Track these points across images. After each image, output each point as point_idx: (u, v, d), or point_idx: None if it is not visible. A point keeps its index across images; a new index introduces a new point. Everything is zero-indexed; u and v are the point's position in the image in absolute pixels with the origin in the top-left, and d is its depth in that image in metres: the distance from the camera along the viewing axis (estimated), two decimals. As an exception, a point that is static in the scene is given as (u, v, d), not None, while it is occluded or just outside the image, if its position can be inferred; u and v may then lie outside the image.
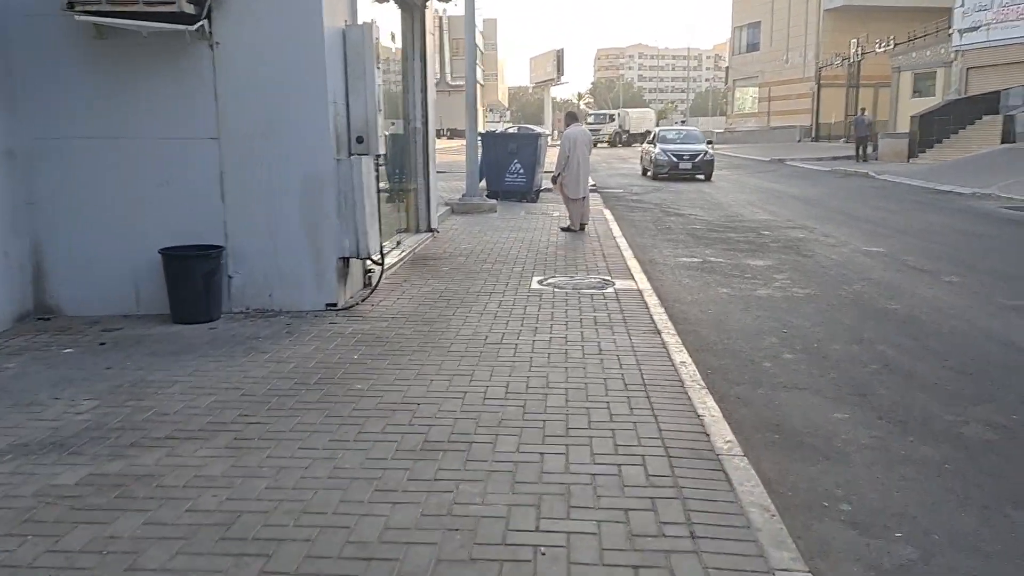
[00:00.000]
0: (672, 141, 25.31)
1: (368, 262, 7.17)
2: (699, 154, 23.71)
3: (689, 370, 5.05)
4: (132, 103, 6.25)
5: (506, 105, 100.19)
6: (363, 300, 6.89)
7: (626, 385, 4.71)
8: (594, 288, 7.60)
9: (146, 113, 6.27)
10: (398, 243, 9.63)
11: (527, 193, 16.01)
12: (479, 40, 69.01)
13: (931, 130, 28.55)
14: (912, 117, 28.95)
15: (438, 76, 58.52)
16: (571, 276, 8.21)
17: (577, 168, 11.62)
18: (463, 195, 14.66)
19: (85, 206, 6.31)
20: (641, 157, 27.13)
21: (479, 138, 16.43)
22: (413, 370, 5.00)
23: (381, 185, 9.76)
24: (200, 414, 4.24)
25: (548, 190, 16.47)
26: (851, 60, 44.33)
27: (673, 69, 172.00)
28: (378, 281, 7.24)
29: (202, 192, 6.38)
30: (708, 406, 4.40)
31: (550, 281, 7.93)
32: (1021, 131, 24.08)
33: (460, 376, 4.87)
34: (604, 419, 4.17)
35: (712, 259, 10.07)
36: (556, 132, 42.86)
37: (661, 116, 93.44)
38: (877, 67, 43.09)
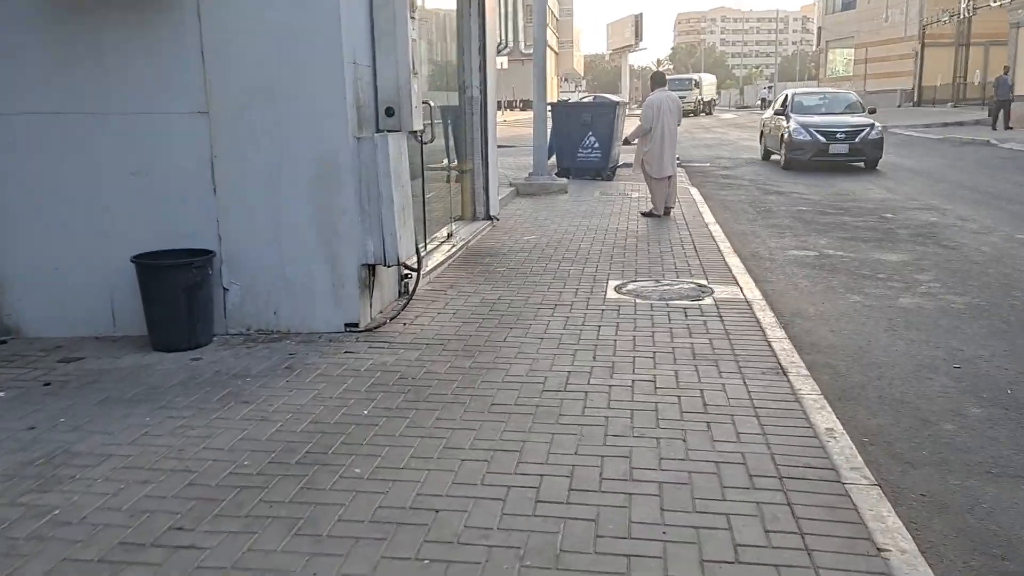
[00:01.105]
0: (814, 111, 17.48)
1: (402, 268, 5.74)
2: (861, 130, 15.97)
3: (841, 446, 3.42)
4: (97, 69, 4.91)
5: (581, 74, 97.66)
6: (393, 317, 5.45)
7: (751, 478, 3.12)
8: (688, 298, 5.97)
9: (116, 81, 4.93)
10: (448, 235, 8.17)
11: (602, 170, 14.31)
12: (553, 5, 66.77)
13: (1060, 91, 25.33)
14: (998, 79, 25.77)
15: (510, 45, 56.83)
16: (657, 280, 6.58)
17: (661, 141, 9.91)
18: (530, 173, 13.09)
19: (44, 201, 5.04)
20: (761, 134, 19.49)
21: (549, 109, 14.80)
22: (438, 439, 3.52)
23: (435, 165, 8.34)
24: (115, 524, 2.86)
25: (627, 165, 14.75)
26: (961, 16, 40.43)
27: (757, 32, 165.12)
28: (414, 290, 5.79)
29: (189, 182, 5.03)
30: (888, 525, 2.78)
31: (631, 287, 6.33)
32: None
33: (503, 453, 3.38)
34: (726, 555, 2.60)
35: (830, 252, 8.25)
36: (635, 102, 40.52)
37: (746, 82, 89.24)
38: (989, 24, 39.16)
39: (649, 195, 10.35)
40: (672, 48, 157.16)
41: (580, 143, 14.37)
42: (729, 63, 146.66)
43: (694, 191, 12.71)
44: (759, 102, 61.00)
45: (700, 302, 5.85)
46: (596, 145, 14.31)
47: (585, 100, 20.14)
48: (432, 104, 6.83)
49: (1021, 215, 10.32)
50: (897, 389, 4.43)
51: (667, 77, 10.45)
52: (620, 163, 15.36)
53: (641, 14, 47.32)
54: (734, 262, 7.32)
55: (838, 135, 15.98)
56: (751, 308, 5.69)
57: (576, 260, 7.41)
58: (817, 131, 16.06)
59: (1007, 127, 24.87)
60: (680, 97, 11.60)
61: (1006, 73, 26.46)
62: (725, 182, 14.89)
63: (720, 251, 7.86)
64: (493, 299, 6.01)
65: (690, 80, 51.81)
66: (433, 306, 5.82)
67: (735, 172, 16.63)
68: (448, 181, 8.83)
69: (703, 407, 3.84)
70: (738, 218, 10.60)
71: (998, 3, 35.31)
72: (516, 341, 4.96)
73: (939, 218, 10.19)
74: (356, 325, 5.17)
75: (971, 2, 38.79)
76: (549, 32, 58.38)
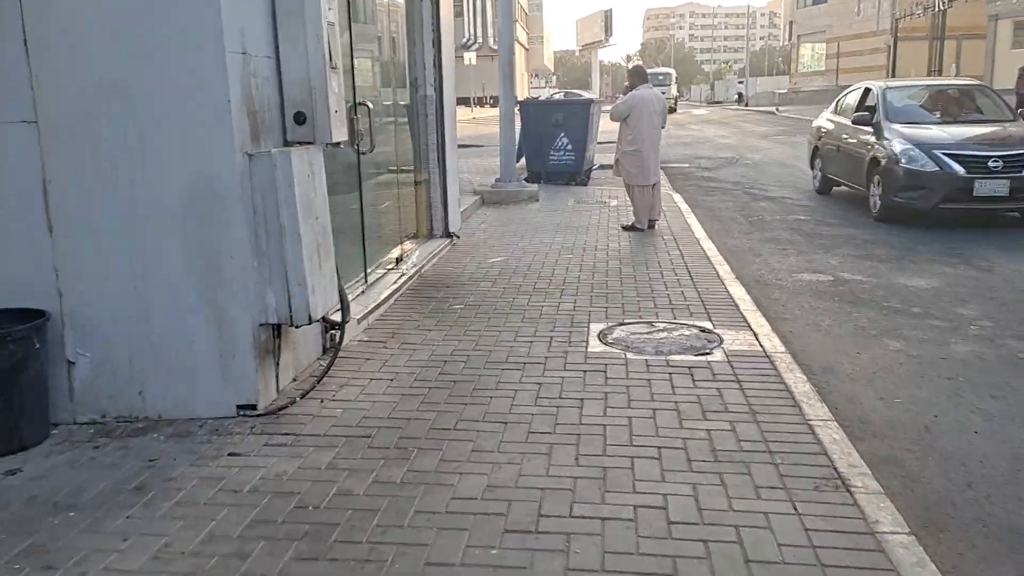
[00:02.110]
0: (926, 118, 10.29)
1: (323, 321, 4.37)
2: None
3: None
4: None
5: (552, 70, 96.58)
6: (308, 391, 4.10)
7: None
8: (692, 351, 4.69)
9: (-98, 80, 3.54)
10: (399, 259, 6.83)
11: (576, 174, 13.03)
12: (523, 0, 65.41)
13: (1042, 85, 24.45)
14: (1021, 69, 24.86)
15: (479, 41, 55.49)
16: (650, 323, 5.30)
17: (645, 145, 8.63)
18: (496, 179, 11.78)
19: None
20: (815, 152, 12.25)
21: (517, 107, 13.50)
22: (334, 653, 2.20)
23: (383, 174, 7.01)
24: None
25: (606, 167, 13.55)
26: (935, 9, 39.81)
27: (726, 28, 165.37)
28: (337, 350, 4.43)
29: (12, 216, 3.65)
30: None
31: (618, 335, 5.03)
32: None
33: None
34: None
35: (845, 275, 7.03)
36: (606, 98, 39.21)
37: (716, 77, 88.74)
38: (962, 17, 38.67)
39: (630, 205, 9.10)
40: (642, 44, 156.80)
41: (552, 145, 13.07)
42: (698, 59, 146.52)
43: (677, 197, 11.50)
44: (736, 97, 59.82)
45: (709, 357, 4.57)
46: (569, 147, 13.02)
47: (556, 97, 18.81)
48: (371, 105, 5.53)
49: (1045, 225, 9.21)
50: (1000, 505, 3.18)
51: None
52: (595, 165, 14.11)
53: (610, 10, 46.26)
54: (738, 292, 6.08)
55: (991, 163, 8.70)
56: (774, 366, 4.42)
57: (549, 292, 6.11)
58: (949, 155, 8.86)
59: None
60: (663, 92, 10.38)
61: None
62: (709, 186, 13.68)
63: (719, 276, 6.62)
64: (445, 354, 4.69)
65: (668, 75, 49.57)
66: (367, 368, 4.48)
67: (718, 174, 15.45)
68: (398, 193, 7.49)
69: (744, 566, 2.55)
70: (730, 230, 9.37)
71: (974, -5, 34.68)
72: (470, 428, 3.64)
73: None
74: (253, 407, 3.81)
75: (946, -5, 38.17)
76: (519, 27, 57.18)
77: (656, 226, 8.83)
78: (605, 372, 4.35)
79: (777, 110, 43.37)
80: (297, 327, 3.89)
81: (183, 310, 3.71)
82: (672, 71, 53.03)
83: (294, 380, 4.23)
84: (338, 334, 4.45)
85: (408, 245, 7.42)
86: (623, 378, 4.26)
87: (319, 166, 4.06)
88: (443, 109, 7.95)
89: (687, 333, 5.05)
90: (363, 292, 5.77)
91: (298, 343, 4.29)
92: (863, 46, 49.14)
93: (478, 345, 4.86)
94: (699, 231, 8.81)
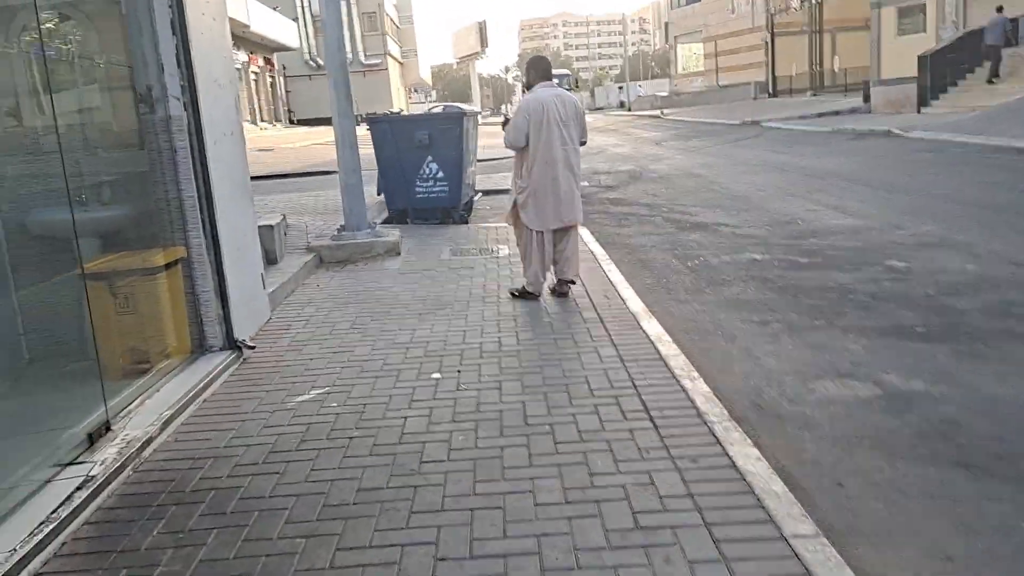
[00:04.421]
0: None
1: None
2: None
3: None
4: None
5: (431, 84, 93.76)
6: None
7: None
8: None
9: None
10: (92, 438, 3.51)
11: (452, 209, 9.93)
12: (392, 13, 62.19)
13: (942, 73, 23.35)
14: (920, 58, 23.64)
15: (350, 55, 51.68)
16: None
17: (546, 170, 5.58)
18: (340, 228, 8.49)
19: None
20: None
21: (369, 125, 10.29)
22: None
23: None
24: None
25: (492, 194, 10.58)
26: (811, 2, 39.22)
27: (599, 35, 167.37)
28: None
29: None
30: None
31: None
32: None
33: None
34: None
35: (892, 378, 4.18)
36: (488, 110, 36.24)
37: (595, 84, 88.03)
38: (838, 9, 38.35)
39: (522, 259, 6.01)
40: (519, 54, 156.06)
41: (417, 174, 9.93)
42: (575, 66, 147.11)
43: (586, 233, 8.59)
44: (619, 104, 58.16)
45: None
46: (440, 175, 9.90)
47: (434, 111, 15.66)
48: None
49: (1083, 247, 6.79)
50: None
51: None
52: (477, 195, 11.05)
53: (484, 21, 44.31)
54: (755, 468, 3.12)
55: None
56: None
57: (386, 501, 2.95)
58: None
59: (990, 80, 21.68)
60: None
61: (999, 13, 21.64)
62: (619, 211, 10.86)
63: (700, 414, 3.67)
64: None
65: (564, 76, 45.13)
66: None
67: (625, 193, 12.70)
68: (107, 292, 4.16)
69: None
70: (671, 286, 6.48)
71: (850, -14, 33.96)
72: None
73: (974, 263, 6.46)
74: None
75: (821, -12, 37.62)
76: (390, 40, 53.69)
77: (569, 292, 5.84)
78: None
79: (662, 113, 41.88)
80: None
81: None
82: (568, 72, 49.83)
83: None
84: None
85: (145, 382, 4.09)
86: None
87: None
88: (203, 137, 4.68)
89: None
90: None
91: None
92: (740, 44, 48.54)
93: None
94: (628, 294, 5.88)
